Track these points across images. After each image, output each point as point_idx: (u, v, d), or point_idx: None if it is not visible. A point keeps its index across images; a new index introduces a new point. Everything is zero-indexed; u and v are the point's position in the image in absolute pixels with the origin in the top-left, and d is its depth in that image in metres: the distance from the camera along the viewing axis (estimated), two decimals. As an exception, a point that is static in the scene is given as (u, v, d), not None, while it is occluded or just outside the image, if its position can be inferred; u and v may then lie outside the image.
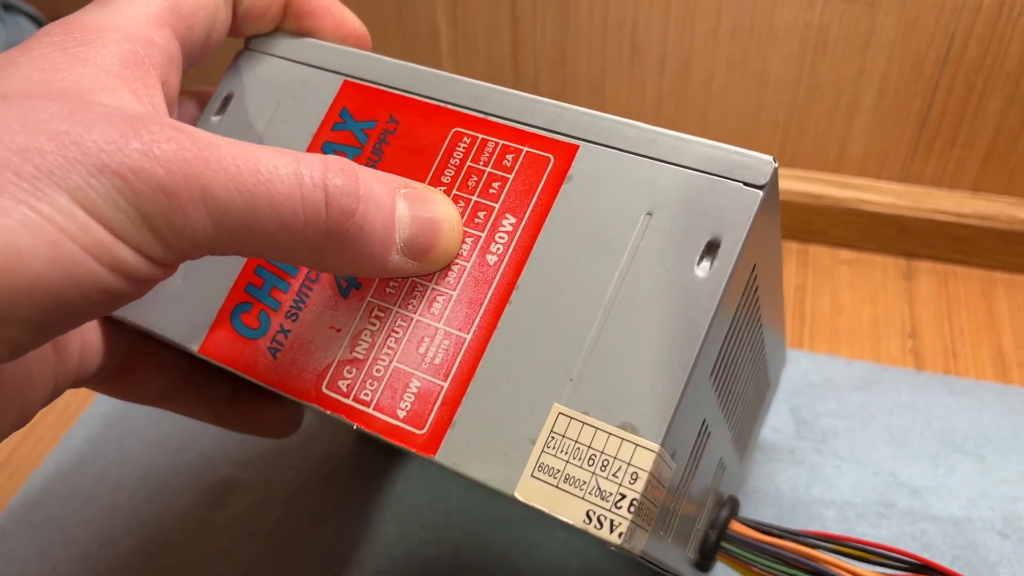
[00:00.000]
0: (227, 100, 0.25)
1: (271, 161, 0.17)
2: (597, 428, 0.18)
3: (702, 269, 0.19)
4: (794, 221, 0.49)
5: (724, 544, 0.27)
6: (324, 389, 0.21)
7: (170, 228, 0.16)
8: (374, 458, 0.38)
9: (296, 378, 0.21)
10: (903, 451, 0.37)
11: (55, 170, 0.15)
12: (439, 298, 0.21)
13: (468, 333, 0.20)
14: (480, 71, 0.51)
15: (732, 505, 0.27)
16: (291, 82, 0.24)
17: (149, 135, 0.16)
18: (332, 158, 0.18)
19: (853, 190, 0.48)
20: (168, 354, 0.25)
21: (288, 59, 0.25)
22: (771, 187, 0.19)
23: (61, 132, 0.15)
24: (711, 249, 0.19)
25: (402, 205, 0.19)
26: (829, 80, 0.45)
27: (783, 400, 0.40)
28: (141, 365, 0.25)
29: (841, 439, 0.38)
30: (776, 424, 0.39)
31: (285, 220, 0.17)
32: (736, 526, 0.27)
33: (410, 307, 0.21)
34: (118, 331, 0.24)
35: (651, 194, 0.20)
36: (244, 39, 0.26)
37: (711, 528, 0.27)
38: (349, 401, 0.21)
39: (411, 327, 0.21)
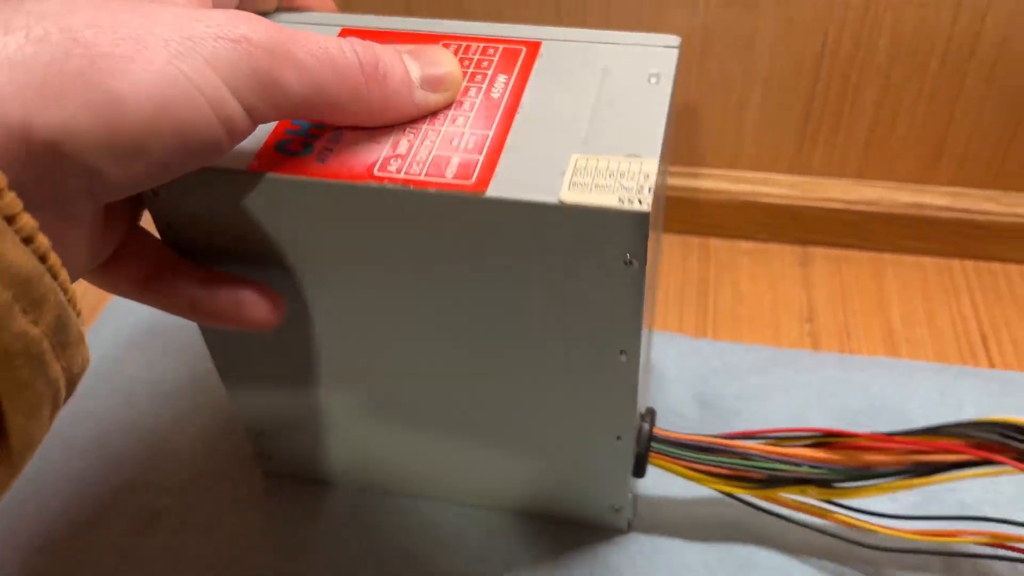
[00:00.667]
0: None
1: (325, 40, 0.23)
2: (611, 159, 0.25)
3: (653, 77, 0.27)
4: (694, 216, 0.51)
5: (654, 445, 0.32)
6: (376, 172, 0.25)
7: (274, 85, 0.21)
8: (290, 485, 0.39)
9: (347, 170, 0.25)
10: (803, 423, 0.39)
11: (195, 37, 0.20)
12: (459, 118, 0.26)
13: (490, 130, 0.26)
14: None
15: (651, 416, 0.33)
16: None
17: (248, 20, 0.21)
18: (351, 38, 0.24)
19: (748, 184, 0.50)
20: (151, 243, 0.27)
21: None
22: None
23: (193, 16, 0.21)
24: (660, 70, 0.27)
25: (407, 58, 0.26)
26: (718, 81, 0.47)
27: (687, 387, 0.42)
28: (129, 251, 0.26)
29: (743, 419, 0.40)
30: (681, 410, 0.41)
31: (341, 75, 0.23)
32: (659, 431, 0.33)
33: (436, 123, 0.26)
34: (124, 213, 0.26)
35: (606, 57, 0.28)
36: None
37: (638, 441, 0.32)
38: (401, 176, 0.25)
39: (441, 134, 0.26)
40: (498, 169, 0.25)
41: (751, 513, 0.36)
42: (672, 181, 0.51)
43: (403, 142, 0.26)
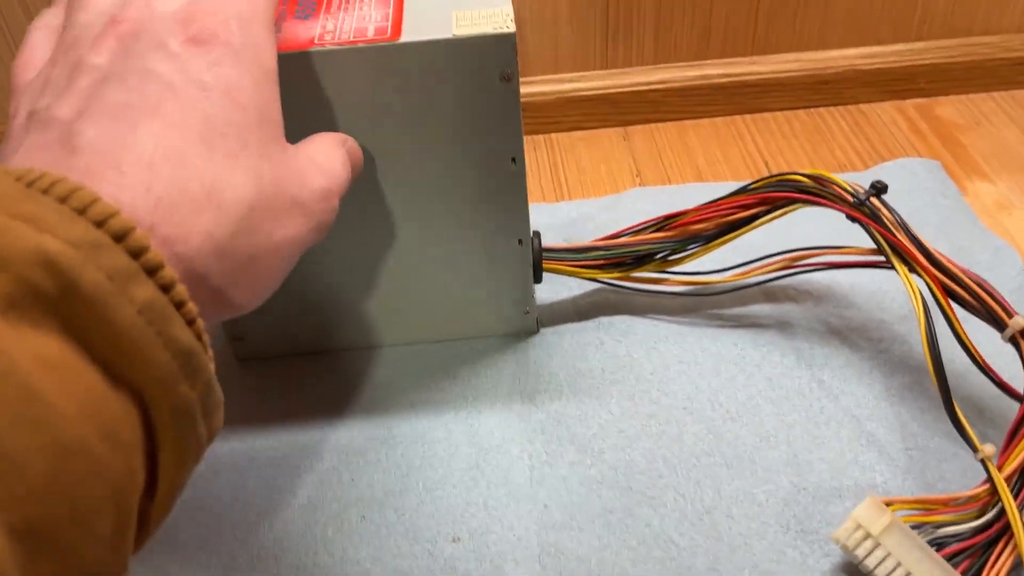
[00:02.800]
0: None
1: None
2: (479, 11, 0.35)
3: None
4: (535, 118, 0.63)
5: (545, 254, 0.43)
6: (316, 42, 0.34)
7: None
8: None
9: (295, 43, 0.34)
10: (647, 240, 0.52)
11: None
12: (364, 7, 0.36)
13: (388, 9, 0.36)
14: None
15: (538, 235, 0.44)
16: None
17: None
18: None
19: (570, 83, 0.62)
20: None
21: None
22: None
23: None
24: None
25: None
26: (535, 2, 0.58)
27: (557, 234, 0.53)
28: None
29: (604, 245, 0.52)
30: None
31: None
32: (546, 245, 0.44)
33: (348, 11, 0.36)
34: None
35: None
36: None
37: (533, 251, 0.43)
38: (336, 41, 0.34)
39: (355, 16, 0.36)
40: (403, 28, 0.35)
41: (626, 294, 0.47)
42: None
43: (328, 23, 0.35)
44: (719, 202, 0.44)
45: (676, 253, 0.45)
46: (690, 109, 0.63)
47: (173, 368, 0.20)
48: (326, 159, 0.30)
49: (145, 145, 0.23)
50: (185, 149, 0.23)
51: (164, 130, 0.23)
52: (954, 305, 0.38)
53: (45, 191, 0.19)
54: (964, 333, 0.38)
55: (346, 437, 0.42)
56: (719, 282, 0.47)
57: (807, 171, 0.42)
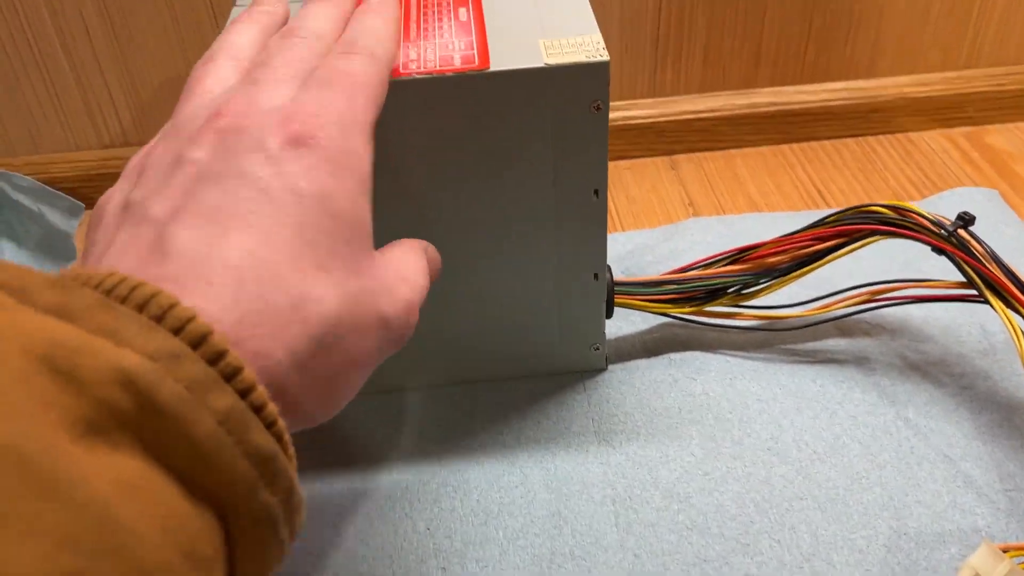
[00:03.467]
0: None
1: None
2: (567, 38, 0.34)
3: None
4: (580, 147, 0.61)
5: (617, 288, 0.42)
6: (401, 71, 0.33)
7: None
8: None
9: None
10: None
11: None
12: (444, 34, 0.35)
13: (471, 37, 0.35)
14: None
15: (610, 269, 0.42)
16: None
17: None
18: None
19: (618, 111, 0.61)
20: None
21: None
22: None
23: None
24: None
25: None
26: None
27: (617, 267, 0.52)
28: None
29: (665, 277, 0.50)
30: (616, 281, 0.50)
31: None
32: (618, 278, 0.43)
33: (428, 40, 0.35)
34: None
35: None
36: None
37: (608, 287, 0.41)
38: (422, 70, 0.33)
39: (437, 45, 0.34)
40: (491, 56, 0.34)
41: (695, 329, 0.46)
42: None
43: (411, 52, 0.34)
44: (796, 235, 0.42)
45: (749, 287, 0.44)
46: (738, 138, 0.62)
47: (253, 476, 0.20)
48: (411, 270, 0.28)
49: (235, 255, 0.22)
50: (275, 260, 0.23)
51: (255, 239, 0.23)
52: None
53: (124, 299, 0.19)
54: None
55: (415, 482, 0.40)
56: (795, 316, 0.45)
57: (887, 202, 0.41)
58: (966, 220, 0.39)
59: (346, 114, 0.26)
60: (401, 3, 0.37)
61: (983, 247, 0.39)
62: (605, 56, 0.33)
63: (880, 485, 0.39)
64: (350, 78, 0.27)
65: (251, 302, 0.22)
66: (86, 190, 0.58)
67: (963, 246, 0.39)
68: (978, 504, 0.38)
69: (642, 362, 0.45)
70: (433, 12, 0.37)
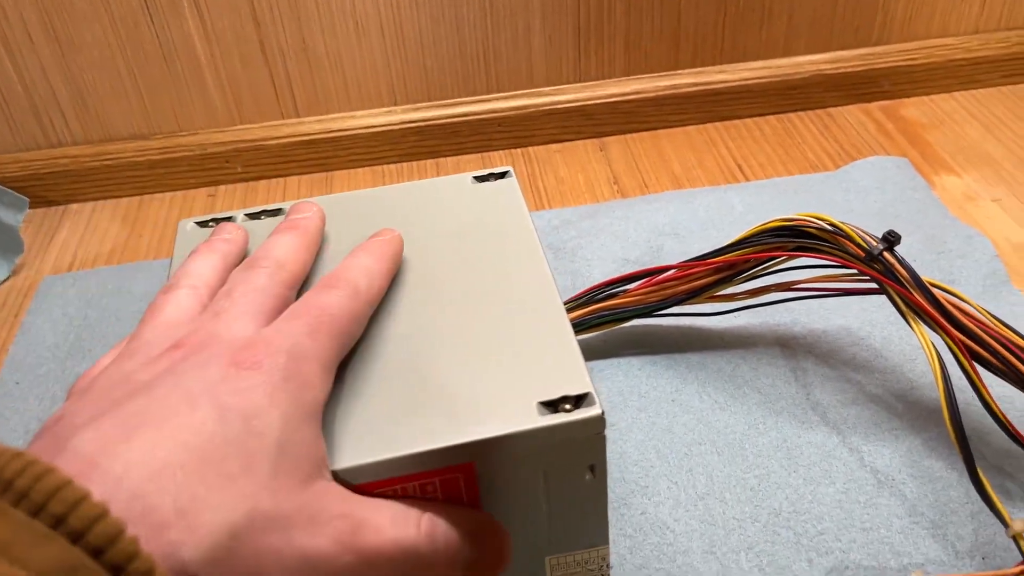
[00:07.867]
0: None
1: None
2: (574, 553, 0.29)
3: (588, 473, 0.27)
4: (511, 132, 0.64)
5: None
6: None
7: None
8: None
9: None
10: (627, 243, 0.53)
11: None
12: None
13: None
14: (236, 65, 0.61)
15: None
16: None
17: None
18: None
19: (546, 96, 0.63)
20: None
21: None
22: None
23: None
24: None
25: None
26: (506, 15, 0.60)
27: (544, 243, 0.54)
28: None
29: (584, 251, 0.53)
30: (539, 254, 0.53)
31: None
32: None
33: None
34: None
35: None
36: None
37: None
38: None
39: None
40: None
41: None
42: (489, 106, 0.63)
43: None
44: (707, 259, 0.42)
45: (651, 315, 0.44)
46: (663, 118, 0.65)
47: None
48: (380, 517, 0.25)
49: (131, 455, 0.22)
50: (170, 463, 0.22)
51: (157, 441, 0.22)
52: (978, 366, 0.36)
53: (24, 494, 0.19)
54: (991, 399, 0.36)
55: None
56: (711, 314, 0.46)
57: (813, 216, 0.39)
58: (891, 241, 0.38)
59: (302, 344, 0.26)
60: None
61: (907, 271, 0.37)
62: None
63: (776, 430, 0.41)
64: (319, 311, 0.27)
65: (128, 501, 0.21)
66: (34, 188, 0.60)
67: (889, 271, 0.37)
68: (864, 443, 0.40)
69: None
70: None
